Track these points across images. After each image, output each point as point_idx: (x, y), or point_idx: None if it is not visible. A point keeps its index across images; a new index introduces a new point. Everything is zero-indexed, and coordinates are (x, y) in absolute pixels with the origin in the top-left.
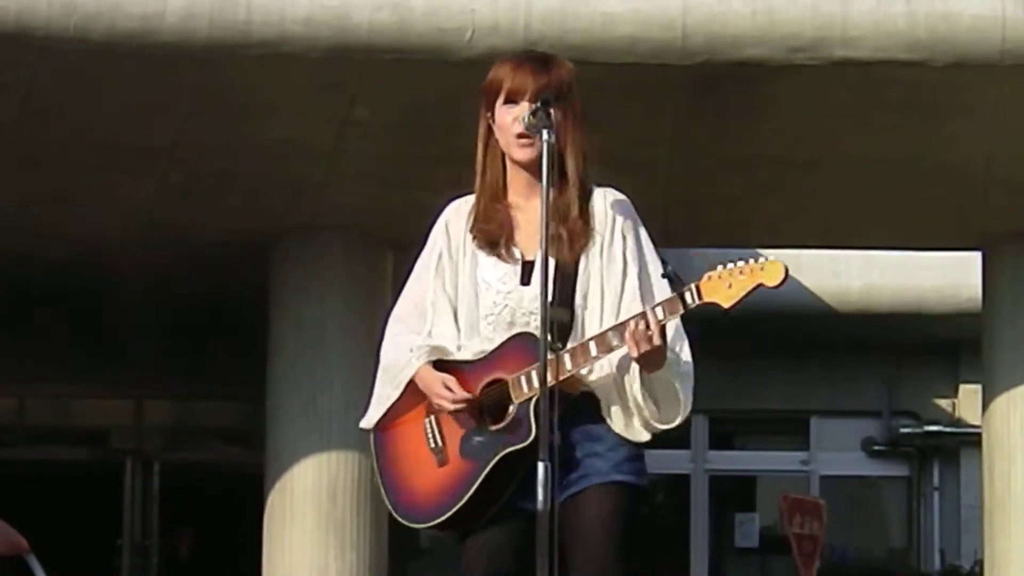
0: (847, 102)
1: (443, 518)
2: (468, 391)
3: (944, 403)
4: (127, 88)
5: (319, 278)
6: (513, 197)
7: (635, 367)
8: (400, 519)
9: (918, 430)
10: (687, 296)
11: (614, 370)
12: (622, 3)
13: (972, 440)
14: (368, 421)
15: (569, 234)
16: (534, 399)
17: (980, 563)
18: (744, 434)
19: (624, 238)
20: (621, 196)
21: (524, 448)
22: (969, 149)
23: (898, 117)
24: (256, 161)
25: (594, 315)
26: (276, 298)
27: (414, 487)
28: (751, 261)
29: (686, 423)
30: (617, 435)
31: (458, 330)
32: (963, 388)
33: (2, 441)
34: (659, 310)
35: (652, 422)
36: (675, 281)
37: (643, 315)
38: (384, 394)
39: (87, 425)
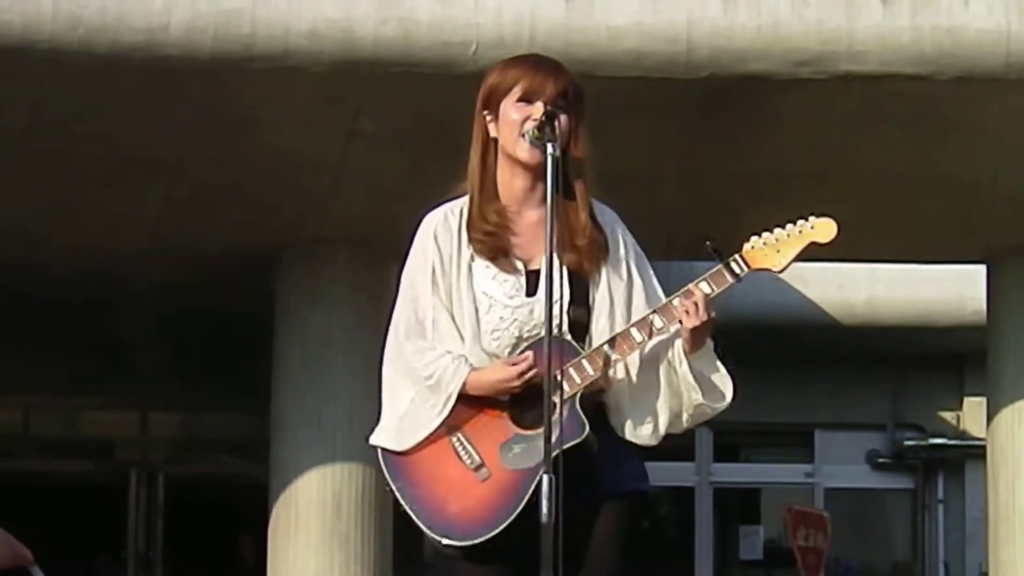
0: (852, 116)
1: (505, 524)
2: None
3: (949, 415)
4: (132, 101)
5: (324, 290)
6: (508, 202)
7: (677, 351)
8: (458, 542)
9: (923, 443)
10: (734, 267)
11: (634, 370)
12: (627, 17)
13: (977, 452)
14: (404, 443)
15: (586, 246)
16: (577, 395)
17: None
18: (749, 446)
19: (626, 252)
20: (610, 210)
21: (579, 442)
22: (974, 162)
23: (903, 131)
24: (261, 174)
25: (605, 319)
26: (281, 310)
27: (457, 509)
28: (795, 224)
29: (690, 434)
30: (625, 441)
31: (462, 342)
32: (968, 400)
33: (7, 453)
34: (704, 284)
35: (702, 404)
36: (718, 254)
37: (687, 291)
38: (432, 409)
39: (92, 437)
